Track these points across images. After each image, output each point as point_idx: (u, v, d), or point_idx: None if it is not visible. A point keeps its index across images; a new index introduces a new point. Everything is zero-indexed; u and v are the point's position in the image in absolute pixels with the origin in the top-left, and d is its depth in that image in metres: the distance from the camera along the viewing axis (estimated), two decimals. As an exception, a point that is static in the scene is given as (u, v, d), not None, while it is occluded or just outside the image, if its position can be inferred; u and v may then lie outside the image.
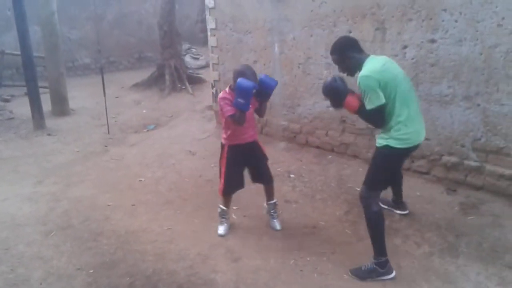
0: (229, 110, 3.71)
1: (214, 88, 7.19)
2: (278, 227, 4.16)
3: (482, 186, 4.51)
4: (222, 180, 4.02)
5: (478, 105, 4.36)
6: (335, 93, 3.41)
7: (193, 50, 13.05)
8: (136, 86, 10.99)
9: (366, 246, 3.77)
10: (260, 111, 4.01)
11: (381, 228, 3.37)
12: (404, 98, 3.23)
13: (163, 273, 3.56)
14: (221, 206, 4.16)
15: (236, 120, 3.69)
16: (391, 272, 3.38)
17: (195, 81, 10.84)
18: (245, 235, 4.11)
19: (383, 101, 3.17)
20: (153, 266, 3.65)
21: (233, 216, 4.39)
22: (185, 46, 12.58)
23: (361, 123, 5.33)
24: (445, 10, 4.37)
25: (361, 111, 3.32)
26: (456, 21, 4.32)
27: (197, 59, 12.74)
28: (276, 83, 3.81)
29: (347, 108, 3.41)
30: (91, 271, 3.62)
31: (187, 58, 12.42)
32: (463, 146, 4.57)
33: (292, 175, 5.28)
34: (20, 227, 4.35)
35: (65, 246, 4.02)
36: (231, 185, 4.04)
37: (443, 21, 4.41)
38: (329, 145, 5.80)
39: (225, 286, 3.38)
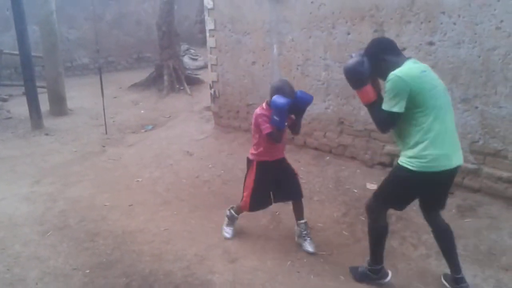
0: (267, 127, 3.62)
1: (213, 89, 7.19)
2: (311, 249, 3.81)
3: (479, 188, 4.51)
4: (249, 196, 3.87)
5: (476, 107, 4.37)
6: (357, 78, 3.09)
7: (192, 50, 13.05)
8: (135, 86, 10.98)
9: (363, 248, 3.78)
10: (295, 128, 3.87)
11: (382, 241, 3.27)
12: (439, 113, 2.87)
13: (160, 274, 3.55)
14: (234, 213, 4.09)
15: (274, 138, 3.63)
16: (386, 277, 3.33)
17: (194, 81, 10.85)
18: (242, 236, 4.10)
19: (400, 110, 2.85)
20: (150, 267, 3.64)
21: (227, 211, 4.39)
22: (184, 46, 12.59)
23: (359, 125, 5.34)
24: (443, 12, 4.37)
25: (373, 106, 3.04)
26: (454, 23, 4.33)
27: (195, 59, 12.75)
28: (312, 98, 3.73)
29: (361, 96, 3.11)
30: (88, 271, 3.61)
31: (186, 59, 12.42)
32: (461, 148, 4.56)
33: (289, 177, 5.27)
34: (17, 227, 4.34)
35: (62, 246, 4.01)
36: (258, 202, 3.91)
37: (441, 23, 4.42)
38: (327, 147, 5.80)
39: (222, 287, 3.37)
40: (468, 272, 3.44)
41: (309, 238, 3.88)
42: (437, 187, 3.09)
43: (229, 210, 4.12)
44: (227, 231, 4.08)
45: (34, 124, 7.70)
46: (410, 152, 2.92)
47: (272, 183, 3.88)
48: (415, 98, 2.83)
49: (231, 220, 4.10)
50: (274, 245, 3.93)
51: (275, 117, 3.48)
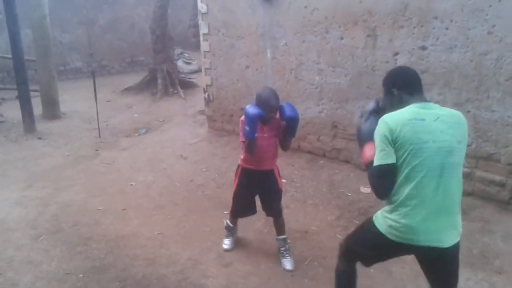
0: (241, 135, 3.47)
1: (206, 93, 7.19)
2: (289, 267, 3.63)
3: (472, 192, 4.54)
4: (232, 202, 3.85)
5: (469, 111, 4.40)
6: (357, 133, 2.70)
7: (186, 54, 13.04)
8: (128, 90, 10.95)
9: (357, 252, 3.79)
10: (283, 144, 3.66)
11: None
12: (423, 177, 2.24)
13: (153, 278, 3.54)
14: (227, 221, 3.99)
15: (246, 147, 3.47)
16: None
17: (187, 85, 10.84)
18: (236, 240, 4.10)
19: (389, 161, 2.26)
20: (143, 271, 3.63)
21: (224, 221, 4.37)
22: (178, 50, 12.58)
23: (353, 129, 5.35)
24: (436, 17, 4.41)
25: (369, 166, 2.39)
26: (447, 28, 4.36)
27: (189, 63, 12.74)
28: (296, 114, 3.45)
29: (361, 155, 2.58)
30: (81, 275, 3.59)
31: (180, 63, 12.41)
32: (453, 152, 4.59)
33: (284, 180, 5.26)
34: (10, 231, 4.31)
35: (55, 250, 3.99)
36: (239, 207, 3.83)
37: (434, 28, 4.45)
38: (321, 150, 5.81)
39: (215, 291, 3.37)
40: (461, 275, 3.44)
41: (288, 255, 3.70)
42: (424, 264, 2.50)
43: (225, 220, 4.05)
44: (225, 243, 3.97)
45: (27, 128, 7.65)
46: (385, 208, 2.42)
47: (255, 192, 3.77)
48: (399, 151, 2.26)
49: (228, 230, 3.99)
50: (268, 249, 3.93)
51: (246, 127, 3.32)
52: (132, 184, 5.39)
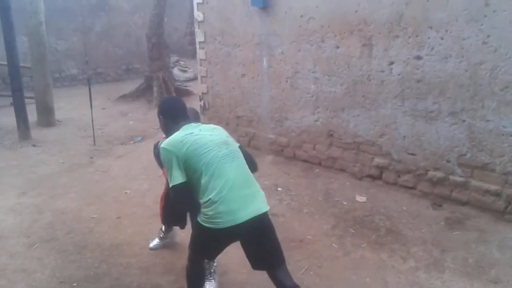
0: None
1: (202, 101, 7.19)
2: None
3: (467, 201, 4.55)
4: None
5: (464, 121, 4.41)
6: (157, 160, 3.26)
7: (182, 62, 13.05)
8: (124, 97, 10.94)
9: (352, 260, 3.78)
10: None
11: (198, 285, 3.08)
12: (214, 170, 2.66)
13: (148, 287, 3.51)
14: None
15: None
16: None
17: (183, 93, 10.83)
18: (231, 248, 4.05)
19: (178, 180, 2.67)
20: (138, 280, 3.61)
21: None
22: (174, 58, 12.58)
23: (348, 137, 5.37)
24: (431, 27, 4.44)
25: (170, 188, 2.77)
26: (442, 38, 4.39)
27: (185, 71, 12.74)
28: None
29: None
30: (75, 284, 3.56)
31: (175, 71, 12.41)
32: (448, 161, 4.61)
33: (279, 189, 5.27)
34: (3, 239, 4.28)
35: (49, 258, 3.96)
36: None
37: (429, 38, 4.48)
38: (317, 159, 5.81)
39: (210, 300, 3.34)
40: (457, 285, 3.45)
41: (213, 279, 3.51)
42: (245, 241, 2.85)
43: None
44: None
45: (22, 135, 7.61)
46: (203, 210, 2.69)
47: None
48: (188, 163, 2.68)
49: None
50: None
51: None
52: (127, 192, 5.37)
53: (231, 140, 2.89)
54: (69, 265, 3.85)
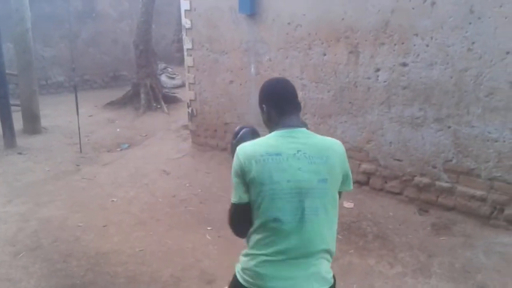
0: None
1: (190, 108, 7.17)
2: None
3: (453, 206, 4.58)
4: None
5: (449, 127, 4.46)
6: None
7: (169, 69, 13.02)
8: (111, 104, 10.87)
9: (340, 267, 3.78)
10: None
11: None
12: (276, 221, 1.90)
13: (135, 296, 3.49)
14: None
15: None
16: None
17: (171, 100, 10.81)
18: (219, 256, 4.06)
19: (238, 201, 1.97)
20: (125, 289, 3.57)
21: (207, 237, 4.34)
22: (161, 65, 12.55)
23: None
24: (416, 34, 4.48)
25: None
26: (427, 45, 4.44)
27: (173, 78, 12.72)
28: None
29: None
30: (60, 294, 3.52)
31: (163, 78, 12.38)
32: (434, 167, 4.65)
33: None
34: (-13, 249, 4.22)
35: (34, 267, 3.91)
36: None
37: (414, 45, 4.52)
38: (304, 166, 5.82)
39: (198, 308, 3.32)
40: (443, 290, 3.47)
41: None
42: None
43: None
44: None
45: (7, 142, 7.52)
46: (244, 250, 2.13)
47: None
48: (251, 187, 1.93)
49: None
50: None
51: None
52: (113, 200, 5.32)
53: (325, 186, 1.93)
54: (55, 274, 3.80)
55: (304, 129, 2.02)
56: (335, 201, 2.00)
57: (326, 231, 1.95)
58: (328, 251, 1.98)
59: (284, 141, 1.95)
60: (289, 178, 1.87)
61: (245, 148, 1.95)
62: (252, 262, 1.98)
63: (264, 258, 1.94)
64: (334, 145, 2.01)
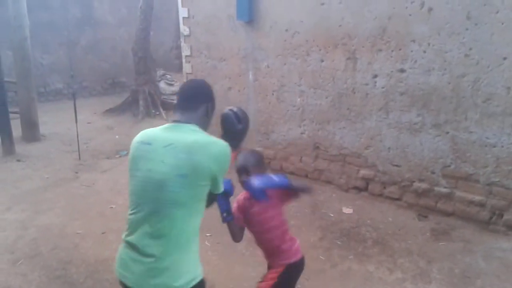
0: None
1: (188, 114, 7.18)
2: None
3: (452, 212, 4.59)
4: None
5: (447, 132, 4.47)
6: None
7: (168, 76, 13.04)
8: (109, 111, 10.88)
9: (339, 273, 3.78)
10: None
11: None
12: (134, 208, 2.01)
13: (134, 303, 3.47)
14: None
15: None
16: None
17: (170, 107, 10.81)
18: (218, 262, 4.05)
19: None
20: (124, 296, 3.56)
21: (206, 243, 4.34)
22: (160, 72, 12.58)
23: (334, 150, 5.40)
24: (413, 41, 4.51)
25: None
26: (424, 51, 4.46)
27: (171, 85, 12.73)
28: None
29: None
30: (59, 301, 3.51)
31: (162, 84, 12.40)
32: (433, 172, 4.66)
33: (266, 202, 5.26)
34: (-14, 256, 4.21)
35: (33, 275, 3.89)
36: None
37: (412, 51, 4.55)
38: (303, 171, 5.83)
39: (197, 315, 3.31)
40: (443, 295, 3.47)
41: None
42: None
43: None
44: None
45: (6, 150, 7.52)
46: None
47: None
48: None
49: None
50: (250, 271, 3.89)
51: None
52: (112, 207, 5.31)
53: (183, 181, 1.92)
54: (54, 281, 3.79)
55: (192, 126, 2.06)
56: (195, 198, 1.98)
57: (179, 224, 1.95)
58: (177, 243, 1.96)
59: (163, 133, 2.03)
60: (150, 168, 1.94)
61: (138, 135, 2.12)
62: (120, 247, 2.11)
63: (124, 243, 2.08)
64: (209, 145, 1.99)
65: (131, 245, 2.01)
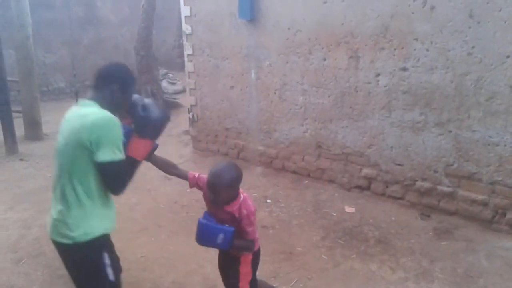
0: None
1: (191, 113, 7.19)
2: None
3: (455, 211, 4.58)
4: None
5: (450, 131, 4.46)
6: None
7: (170, 75, 13.05)
8: (112, 110, 10.90)
9: (342, 272, 3.78)
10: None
11: None
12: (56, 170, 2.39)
13: (137, 302, 3.48)
14: None
15: None
16: None
17: (172, 106, 10.83)
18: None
19: None
20: (127, 295, 3.56)
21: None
22: (162, 71, 12.58)
23: (337, 149, 5.39)
24: (416, 39, 4.50)
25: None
26: (427, 50, 4.45)
27: (174, 84, 12.74)
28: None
29: None
30: (62, 301, 3.52)
31: (164, 83, 12.40)
32: (436, 171, 4.65)
33: (268, 200, 5.27)
34: (-11, 255, 4.22)
35: (36, 274, 3.91)
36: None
37: (414, 50, 4.53)
38: (306, 170, 5.83)
39: (200, 314, 3.32)
40: (446, 295, 3.46)
41: None
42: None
43: None
44: None
45: (9, 149, 7.54)
46: None
47: None
48: None
49: None
50: (253, 271, 3.89)
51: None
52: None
53: (66, 150, 2.28)
54: (56, 281, 3.80)
55: (91, 102, 2.37)
56: (78, 163, 2.25)
57: (74, 185, 2.28)
58: (74, 202, 2.31)
59: (72, 109, 2.41)
60: (57, 139, 2.36)
61: None
62: None
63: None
64: (87, 115, 2.25)
65: (51, 205, 2.43)
